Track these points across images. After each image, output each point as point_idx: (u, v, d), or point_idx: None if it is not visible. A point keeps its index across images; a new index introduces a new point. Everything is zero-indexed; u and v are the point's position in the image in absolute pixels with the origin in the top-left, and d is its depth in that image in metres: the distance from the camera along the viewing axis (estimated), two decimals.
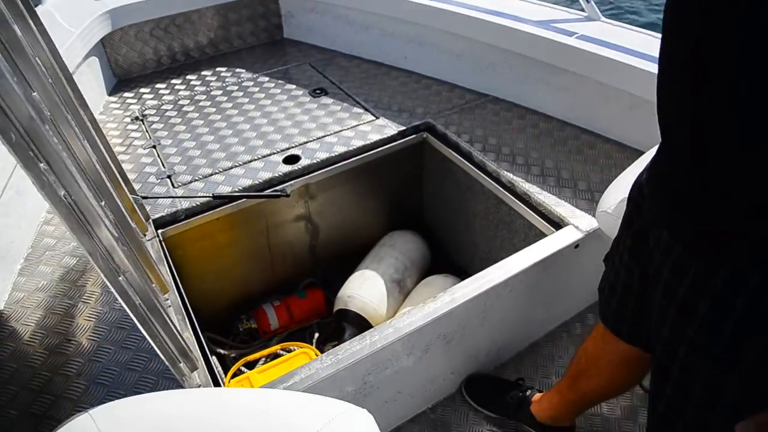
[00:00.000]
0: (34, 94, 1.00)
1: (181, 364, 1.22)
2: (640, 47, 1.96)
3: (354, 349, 1.38)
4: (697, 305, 0.81)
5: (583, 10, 2.22)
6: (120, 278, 0.97)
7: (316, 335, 2.17)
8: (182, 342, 1.22)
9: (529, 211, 1.83)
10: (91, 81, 2.47)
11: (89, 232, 0.89)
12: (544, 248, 1.63)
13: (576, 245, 1.67)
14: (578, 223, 1.70)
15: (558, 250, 1.63)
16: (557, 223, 1.75)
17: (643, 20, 6.71)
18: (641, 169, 1.51)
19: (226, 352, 2.04)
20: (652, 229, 0.94)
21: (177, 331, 1.21)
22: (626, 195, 1.42)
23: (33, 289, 1.59)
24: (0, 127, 0.68)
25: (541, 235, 1.78)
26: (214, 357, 2.03)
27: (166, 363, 1.06)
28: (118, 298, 0.90)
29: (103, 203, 1.20)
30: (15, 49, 0.97)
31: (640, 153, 1.98)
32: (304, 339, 2.18)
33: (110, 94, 2.59)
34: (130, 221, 1.38)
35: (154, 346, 1.02)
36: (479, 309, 1.58)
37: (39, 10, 2.50)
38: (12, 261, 1.66)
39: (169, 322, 1.16)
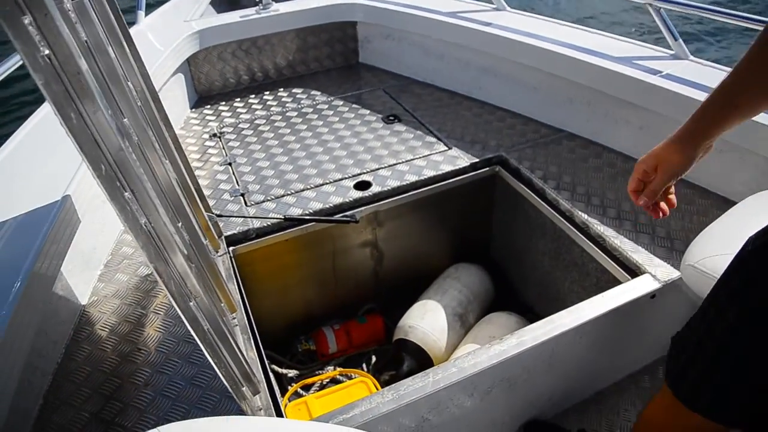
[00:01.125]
0: (125, 119, 1.04)
1: (244, 388, 1.23)
2: None
3: (416, 386, 1.36)
4: None
5: (670, 47, 2.14)
6: (191, 303, 0.99)
7: (373, 361, 2.16)
8: (246, 366, 1.23)
9: (603, 255, 1.76)
10: (176, 97, 2.58)
11: (166, 259, 0.92)
12: (619, 296, 1.56)
13: (652, 295, 1.59)
14: (656, 272, 1.62)
15: (633, 299, 1.56)
16: (633, 271, 1.68)
17: (733, 60, 6.39)
18: (734, 222, 1.43)
19: (283, 372, 2.06)
20: None
21: (242, 354, 1.23)
22: (716, 250, 1.34)
23: (110, 295, 1.65)
24: (92, 160, 0.70)
25: (615, 281, 1.71)
26: (271, 374, 2.05)
27: (229, 388, 1.07)
28: (187, 325, 0.91)
29: (180, 224, 1.23)
30: (111, 76, 1.02)
31: (725, 200, 1.88)
32: (360, 364, 2.17)
33: (191, 110, 2.70)
34: (203, 239, 1.42)
35: (218, 372, 1.03)
36: (546, 354, 1.52)
37: (133, 30, 2.63)
38: (93, 266, 1.73)
39: (234, 346, 1.17)
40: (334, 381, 2.06)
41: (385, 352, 2.18)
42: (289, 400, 1.98)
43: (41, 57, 0.63)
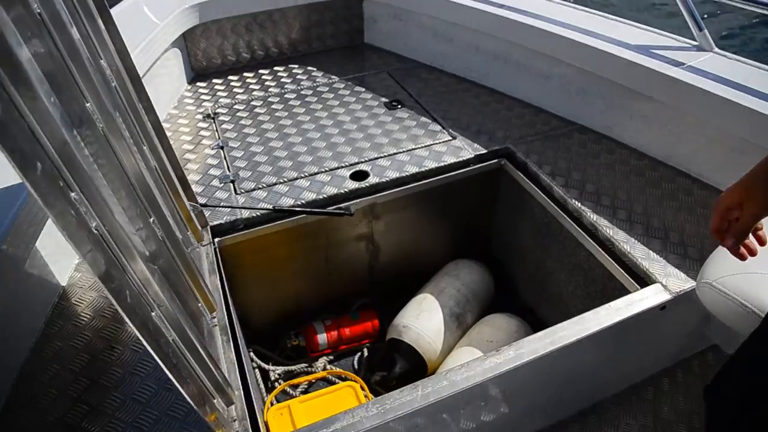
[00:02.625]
0: (88, 104, 0.94)
1: (216, 400, 1.13)
2: (757, 85, 1.74)
3: (404, 399, 1.26)
4: None
5: (694, 38, 2.00)
6: (153, 314, 0.89)
7: (365, 359, 2.08)
8: (218, 375, 1.13)
9: (611, 260, 1.65)
10: (170, 74, 2.46)
11: (123, 267, 0.81)
12: (627, 307, 1.45)
13: (662, 307, 1.48)
14: (667, 282, 1.51)
15: (642, 311, 1.45)
16: (642, 279, 1.57)
17: (763, 54, 6.08)
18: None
19: (270, 368, 1.97)
20: None
21: (214, 363, 1.13)
22: (737, 267, 1.22)
23: (87, 286, 1.56)
24: (22, 159, 0.59)
25: (623, 289, 1.60)
26: (257, 371, 1.96)
27: (194, 406, 0.97)
28: (143, 341, 0.81)
29: (152, 219, 1.13)
30: (73, 55, 0.90)
31: None
32: (352, 361, 2.09)
33: (186, 88, 2.58)
34: (178, 234, 1.31)
35: (182, 390, 0.93)
36: (545, 367, 1.42)
37: (127, 1, 2.51)
38: (70, 254, 1.63)
39: (205, 355, 1.08)
40: (325, 380, 1.98)
41: (378, 350, 2.09)
42: (277, 399, 1.90)
43: None
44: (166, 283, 0.98)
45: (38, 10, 0.83)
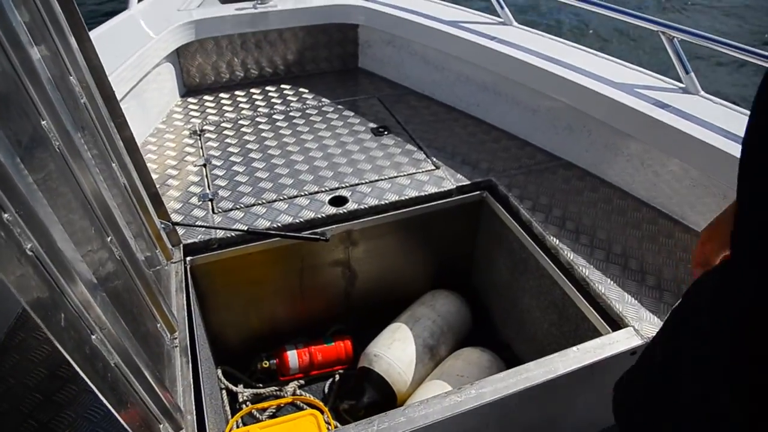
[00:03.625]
0: (44, 122, 0.93)
1: (162, 425, 1.11)
2: (741, 131, 1.71)
3: None
4: None
5: (680, 80, 2.00)
6: (93, 337, 0.87)
7: (337, 386, 2.04)
8: (165, 401, 1.11)
9: (585, 301, 1.62)
10: (161, 88, 2.47)
11: (61, 288, 0.80)
12: (596, 350, 1.42)
13: (633, 352, 1.45)
14: (640, 326, 1.48)
15: (612, 354, 1.42)
16: (615, 322, 1.54)
17: (748, 97, 6.05)
18: None
19: (239, 390, 1.94)
20: None
21: (163, 389, 1.11)
22: None
23: None
24: None
25: (595, 331, 1.57)
26: (224, 392, 1.93)
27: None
28: (75, 366, 0.79)
29: (110, 239, 1.12)
30: (29, 72, 0.90)
31: None
32: (324, 387, 2.06)
33: (176, 104, 2.58)
34: (139, 252, 1.29)
35: (118, 416, 0.91)
36: (508, 408, 1.39)
37: (124, 15, 2.53)
38: None
39: (152, 381, 1.05)
40: (294, 405, 1.94)
41: (349, 378, 2.06)
42: (244, 422, 1.86)
43: None
44: (111, 304, 0.97)
45: None
